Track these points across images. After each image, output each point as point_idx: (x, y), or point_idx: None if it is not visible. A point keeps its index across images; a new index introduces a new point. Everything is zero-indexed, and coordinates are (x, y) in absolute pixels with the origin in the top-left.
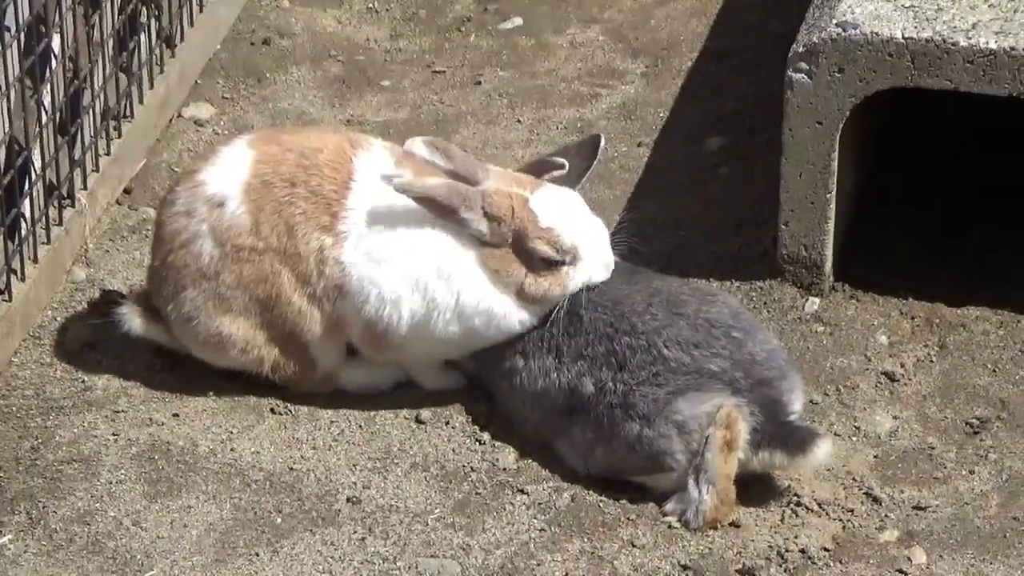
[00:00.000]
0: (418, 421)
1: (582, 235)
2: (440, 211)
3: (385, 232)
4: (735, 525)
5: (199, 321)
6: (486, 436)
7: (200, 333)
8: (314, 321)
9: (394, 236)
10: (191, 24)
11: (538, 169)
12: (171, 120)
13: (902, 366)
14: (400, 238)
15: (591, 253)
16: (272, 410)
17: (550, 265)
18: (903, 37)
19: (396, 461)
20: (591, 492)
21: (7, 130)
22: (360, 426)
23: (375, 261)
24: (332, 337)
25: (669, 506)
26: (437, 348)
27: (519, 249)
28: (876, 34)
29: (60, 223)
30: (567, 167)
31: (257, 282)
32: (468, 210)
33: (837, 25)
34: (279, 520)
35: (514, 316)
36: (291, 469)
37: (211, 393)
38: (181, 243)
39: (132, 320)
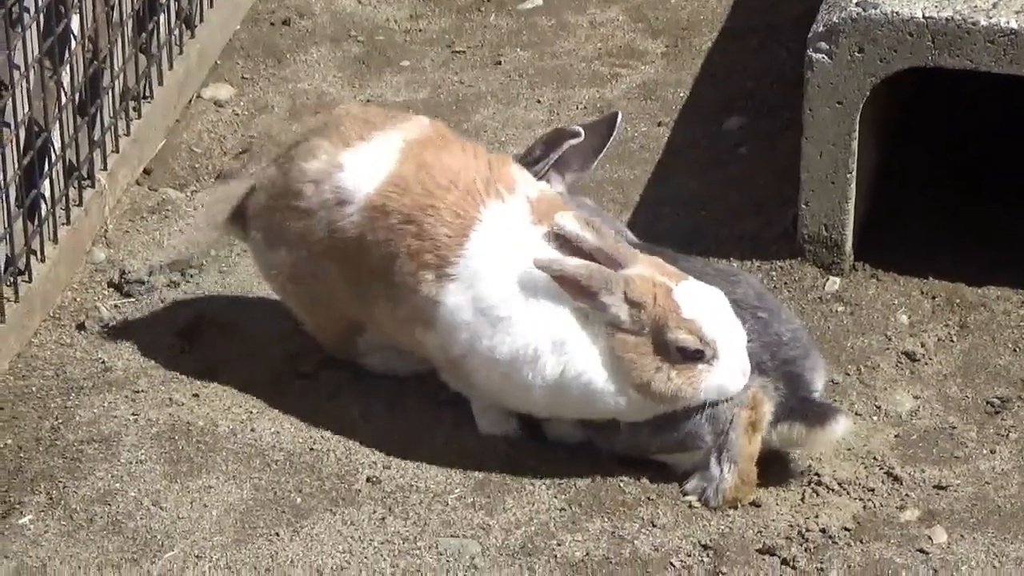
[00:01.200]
0: (438, 402)
1: (724, 332)
2: (580, 293)
3: (499, 290)
4: (756, 505)
5: (273, 272)
6: None
7: (267, 276)
8: (382, 329)
9: (514, 297)
10: (211, 4)
11: (554, 139)
12: (191, 101)
13: (923, 346)
14: (520, 300)
15: (730, 354)
16: (293, 390)
17: (686, 358)
18: (923, 16)
19: (416, 441)
20: (611, 472)
21: (27, 111)
22: (381, 406)
23: (480, 313)
24: (382, 339)
25: (690, 484)
26: (526, 405)
27: (657, 339)
28: (896, 13)
29: (80, 204)
30: (583, 135)
31: (337, 284)
32: (609, 294)
33: (857, 4)
34: (299, 500)
35: (619, 403)
36: (311, 449)
37: (231, 373)
38: (303, 208)
39: (221, 224)
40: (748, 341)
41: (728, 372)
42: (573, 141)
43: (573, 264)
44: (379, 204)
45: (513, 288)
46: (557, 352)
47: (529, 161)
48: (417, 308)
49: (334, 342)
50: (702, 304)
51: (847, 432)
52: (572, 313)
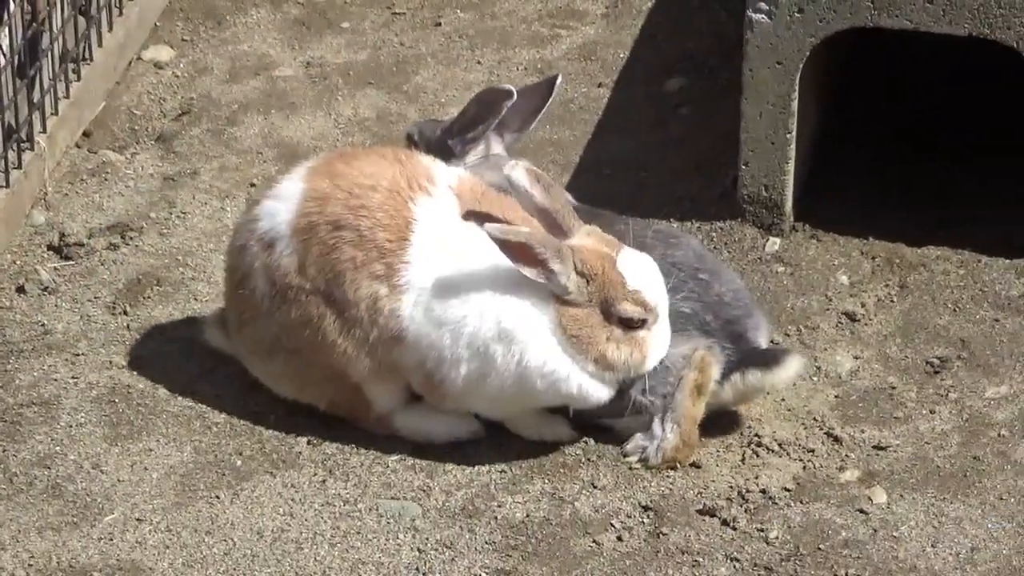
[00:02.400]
0: None
1: (661, 297)
2: (529, 260)
3: (449, 291)
4: (696, 466)
5: (258, 356)
6: None
7: (260, 367)
8: (363, 365)
9: (459, 297)
10: None
11: (488, 99)
12: (130, 63)
13: (863, 306)
14: (465, 299)
15: (664, 320)
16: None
17: (631, 327)
18: None
19: None
20: None
21: None
22: None
23: (436, 321)
24: (387, 380)
25: (630, 445)
26: (494, 405)
27: (604, 311)
28: None
29: (19, 166)
30: (515, 95)
31: (304, 324)
32: (558, 262)
33: None
34: (239, 463)
35: (583, 384)
36: (252, 412)
37: (171, 336)
38: (240, 279)
39: (215, 336)
40: (691, 302)
41: (662, 336)
42: (508, 102)
43: (525, 231)
44: (304, 224)
45: (463, 285)
46: (510, 342)
47: (465, 122)
48: (383, 327)
49: (352, 406)
50: (642, 272)
51: (802, 369)
52: (523, 299)
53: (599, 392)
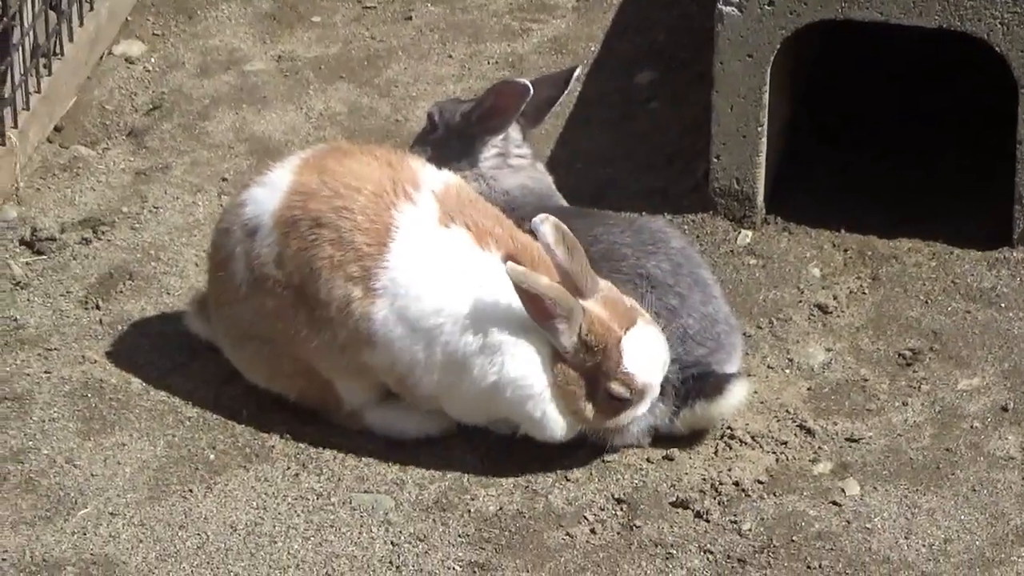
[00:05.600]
0: None
1: (653, 380)
2: (539, 312)
3: (427, 297)
4: (669, 458)
5: (232, 341)
6: None
7: (233, 352)
8: (333, 363)
9: (437, 304)
10: None
11: (505, 91)
12: (102, 57)
13: (835, 298)
14: (443, 306)
15: (648, 400)
16: (208, 347)
17: (613, 401)
18: None
19: None
20: None
21: None
22: None
23: (412, 327)
24: (357, 378)
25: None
26: (467, 407)
27: (594, 380)
28: None
29: None
30: (532, 91)
31: (278, 316)
32: (565, 323)
33: None
34: (212, 457)
35: (551, 419)
36: (225, 406)
37: (144, 330)
38: (220, 261)
39: (194, 322)
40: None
41: (641, 409)
42: (527, 98)
43: (545, 284)
44: (287, 216)
45: (441, 296)
46: (489, 355)
47: (483, 113)
48: (352, 329)
49: (323, 401)
50: (643, 355)
51: (746, 396)
52: (506, 318)
53: (558, 431)
